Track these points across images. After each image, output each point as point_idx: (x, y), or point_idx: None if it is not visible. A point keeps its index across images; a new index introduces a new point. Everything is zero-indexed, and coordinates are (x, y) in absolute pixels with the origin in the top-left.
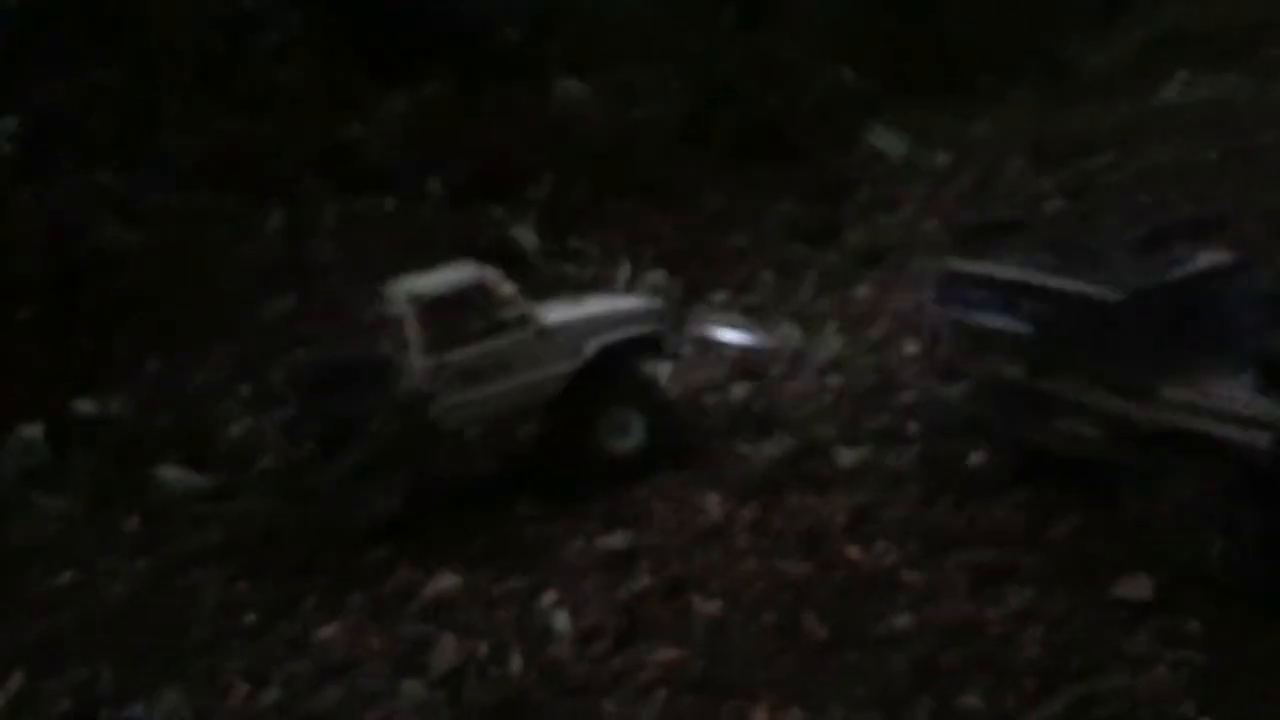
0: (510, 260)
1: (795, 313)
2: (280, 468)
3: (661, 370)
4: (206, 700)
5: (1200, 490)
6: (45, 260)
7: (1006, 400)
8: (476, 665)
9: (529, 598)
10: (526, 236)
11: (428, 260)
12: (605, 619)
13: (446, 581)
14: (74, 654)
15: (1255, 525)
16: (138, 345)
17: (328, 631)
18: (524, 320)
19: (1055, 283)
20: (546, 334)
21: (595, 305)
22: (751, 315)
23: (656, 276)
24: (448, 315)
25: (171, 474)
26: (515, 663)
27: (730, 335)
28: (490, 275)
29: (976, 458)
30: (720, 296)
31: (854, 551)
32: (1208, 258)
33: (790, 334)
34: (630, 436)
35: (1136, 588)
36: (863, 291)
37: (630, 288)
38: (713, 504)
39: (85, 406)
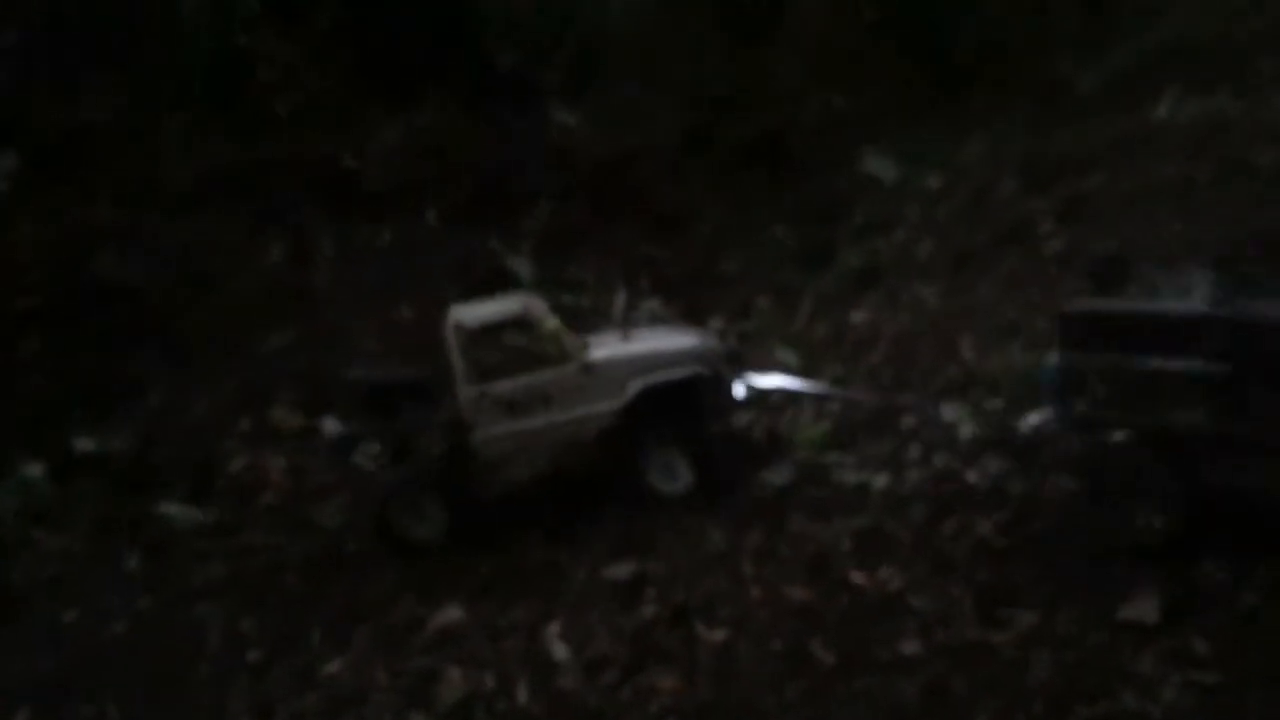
0: (506, 289)
1: (792, 338)
2: (283, 502)
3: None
4: None
5: None
6: (46, 293)
7: (1182, 451)
8: (484, 697)
9: (535, 628)
10: (522, 265)
11: (425, 290)
12: (612, 648)
13: (453, 613)
14: (79, 691)
15: None
16: (138, 378)
17: (334, 665)
18: (565, 355)
19: (1255, 315)
20: (590, 370)
21: (646, 343)
22: (749, 341)
23: (653, 304)
24: (491, 346)
25: (174, 509)
26: (523, 694)
27: (779, 382)
28: (535, 307)
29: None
30: (717, 323)
31: (860, 576)
32: None
33: (787, 358)
34: (677, 480)
35: (1141, 610)
36: (860, 315)
37: (626, 316)
38: (717, 531)
39: (86, 443)
